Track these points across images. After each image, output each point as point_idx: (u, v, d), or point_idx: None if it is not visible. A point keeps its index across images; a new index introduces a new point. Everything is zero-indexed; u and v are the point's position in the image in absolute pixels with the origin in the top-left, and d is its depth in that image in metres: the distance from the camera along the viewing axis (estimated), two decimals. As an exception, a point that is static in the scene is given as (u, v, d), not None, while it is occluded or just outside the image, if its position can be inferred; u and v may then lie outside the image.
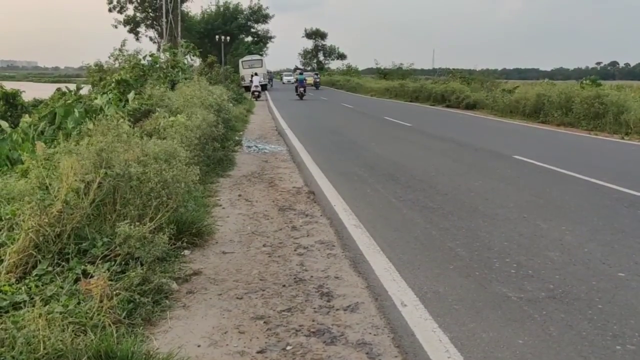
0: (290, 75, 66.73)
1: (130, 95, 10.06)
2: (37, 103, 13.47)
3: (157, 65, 14.77)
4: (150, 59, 14.81)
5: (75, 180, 3.93)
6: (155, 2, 51.50)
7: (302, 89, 32.42)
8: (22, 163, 5.78)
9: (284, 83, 67.25)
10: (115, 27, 53.07)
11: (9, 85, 13.89)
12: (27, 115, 9.44)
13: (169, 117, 7.80)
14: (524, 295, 3.73)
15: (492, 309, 3.52)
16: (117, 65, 15.48)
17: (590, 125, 15.40)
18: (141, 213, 4.20)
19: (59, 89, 13.56)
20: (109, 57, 15.88)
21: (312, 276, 4.07)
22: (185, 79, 15.12)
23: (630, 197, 6.74)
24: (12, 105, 11.84)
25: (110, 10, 52.07)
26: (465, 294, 3.75)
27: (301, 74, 37.65)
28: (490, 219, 5.65)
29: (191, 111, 8.49)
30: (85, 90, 13.64)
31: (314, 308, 3.52)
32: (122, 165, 4.27)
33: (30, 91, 17.00)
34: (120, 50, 15.58)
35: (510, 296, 3.71)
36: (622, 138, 13.40)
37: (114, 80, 12.14)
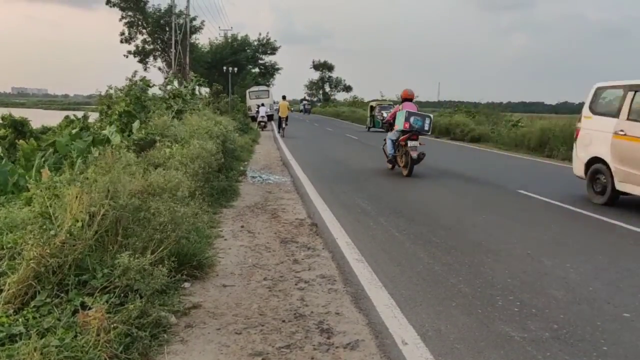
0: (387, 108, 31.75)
1: (135, 125, 10.14)
2: (45, 130, 13.62)
3: (159, 95, 14.83)
4: (141, 83, 14.80)
5: (81, 211, 3.94)
6: (164, 34, 52.44)
7: None
8: (28, 190, 5.80)
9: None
10: (126, 56, 54.04)
11: (19, 112, 14.12)
12: (21, 140, 9.51)
13: (171, 146, 7.85)
14: (527, 335, 3.66)
15: (495, 348, 3.45)
16: (121, 94, 15.63)
17: (595, 161, 15.38)
18: (145, 245, 4.19)
19: (67, 117, 13.74)
20: (125, 85, 16.02)
21: (312, 312, 4.03)
22: (192, 109, 15.24)
23: (636, 234, 6.68)
24: (20, 133, 11.97)
25: (122, 42, 53.11)
26: (467, 332, 3.69)
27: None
28: (494, 255, 5.60)
29: (193, 141, 8.55)
30: (92, 118, 13.80)
31: (314, 345, 3.46)
32: (126, 197, 4.28)
33: (40, 118, 17.22)
34: (130, 80, 15.75)
35: (514, 336, 3.65)
36: (627, 174, 13.36)
37: (117, 111, 12.26)
